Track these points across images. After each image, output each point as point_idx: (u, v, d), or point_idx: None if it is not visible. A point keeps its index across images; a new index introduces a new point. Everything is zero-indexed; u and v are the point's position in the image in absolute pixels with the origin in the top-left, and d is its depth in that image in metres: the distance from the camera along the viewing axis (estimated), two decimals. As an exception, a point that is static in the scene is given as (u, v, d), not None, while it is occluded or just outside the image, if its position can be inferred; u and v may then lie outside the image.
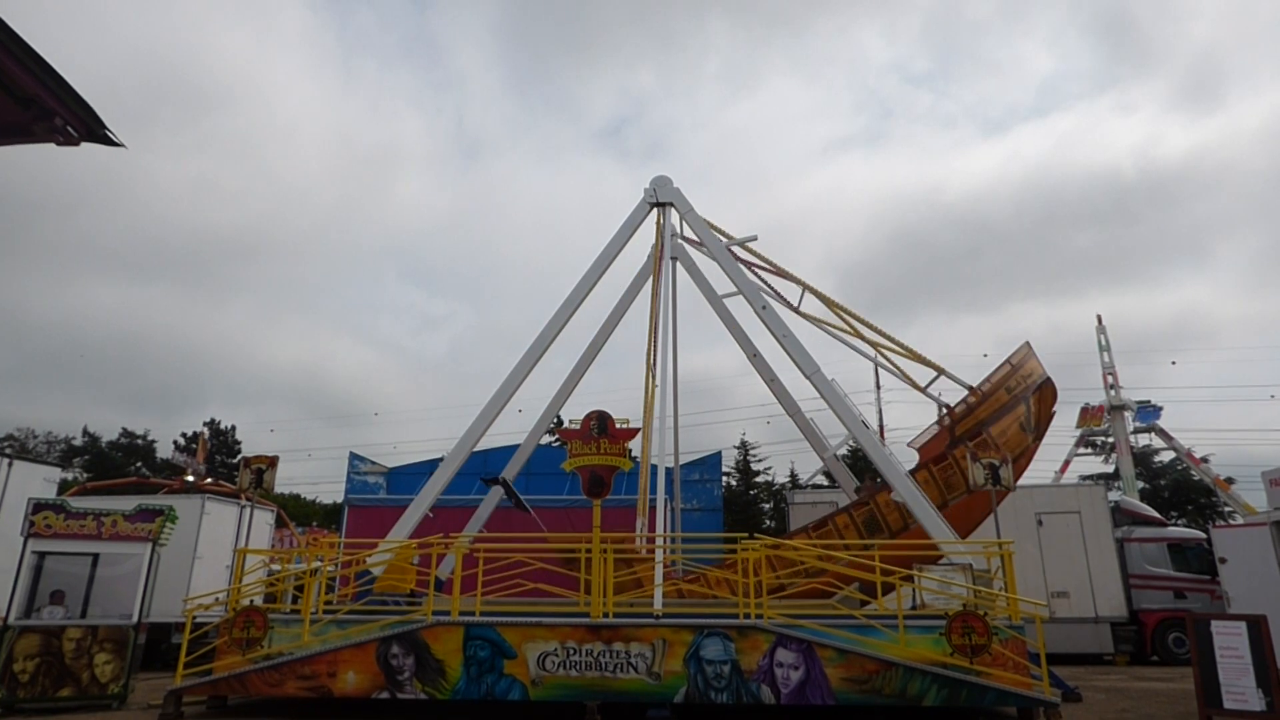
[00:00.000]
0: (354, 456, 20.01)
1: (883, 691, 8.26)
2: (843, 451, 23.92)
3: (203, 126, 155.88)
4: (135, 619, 9.93)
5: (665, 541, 11.75)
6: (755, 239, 14.42)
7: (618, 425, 9.74)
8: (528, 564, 9.72)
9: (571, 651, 8.63)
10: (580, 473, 9.67)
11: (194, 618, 9.46)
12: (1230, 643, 7.89)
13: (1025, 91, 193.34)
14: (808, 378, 11.95)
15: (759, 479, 40.17)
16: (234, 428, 48.21)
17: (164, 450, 43.68)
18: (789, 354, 12.14)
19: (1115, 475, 40.42)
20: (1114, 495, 21.89)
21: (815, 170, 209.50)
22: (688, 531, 15.98)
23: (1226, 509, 37.31)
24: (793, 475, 40.67)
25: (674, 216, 14.11)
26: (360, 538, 14.65)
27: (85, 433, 45.89)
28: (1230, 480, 37.47)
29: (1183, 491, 40.21)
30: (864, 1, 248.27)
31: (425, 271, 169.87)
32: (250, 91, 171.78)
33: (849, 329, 13.90)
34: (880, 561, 8.94)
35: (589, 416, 9.77)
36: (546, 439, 18.94)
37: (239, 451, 45.72)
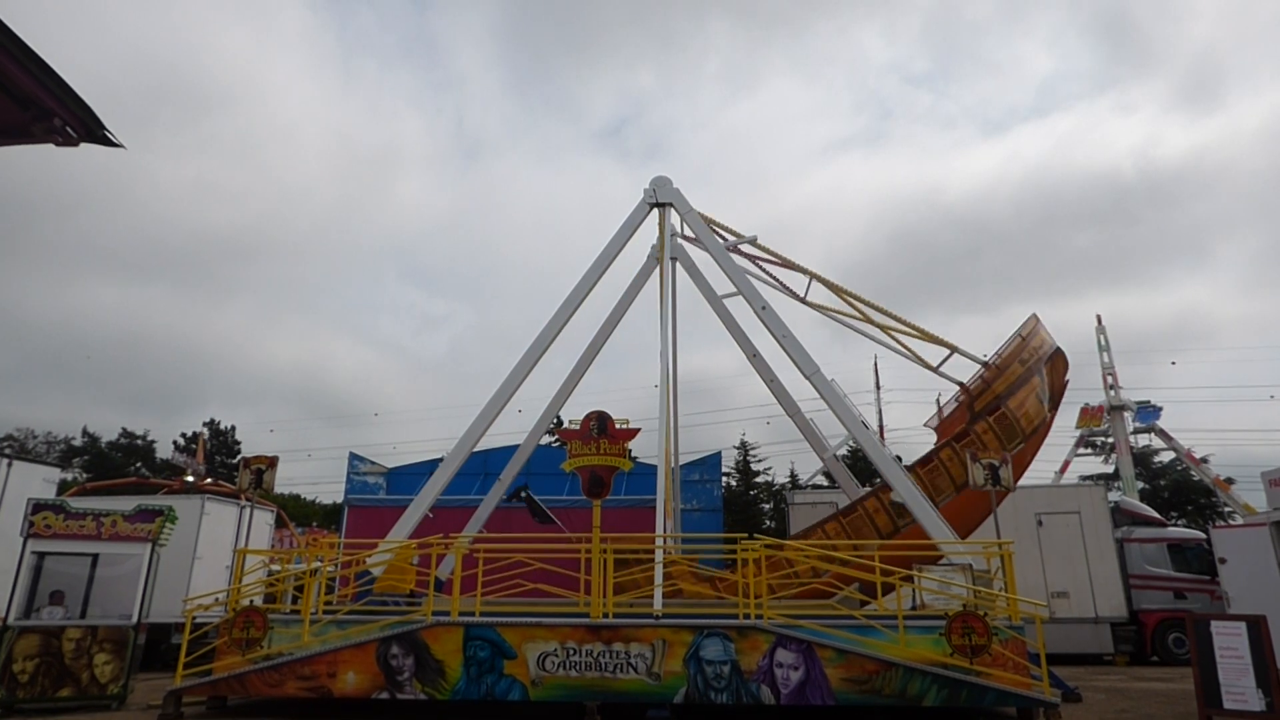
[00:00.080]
0: (354, 457, 19.99)
1: (883, 692, 8.26)
2: (842, 452, 23.98)
3: (202, 127, 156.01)
4: (135, 619, 9.93)
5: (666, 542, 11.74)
6: (755, 239, 14.43)
7: (617, 425, 9.73)
8: (528, 564, 9.72)
9: (571, 652, 8.63)
10: (580, 473, 9.66)
11: (194, 618, 9.46)
12: (1230, 643, 7.89)
13: (1025, 92, 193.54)
14: (807, 378, 11.95)
15: (759, 479, 40.16)
16: (234, 428, 48.22)
17: (164, 450, 43.70)
18: (789, 354, 12.14)
19: (1115, 475, 40.40)
20: (1114, 495, 21.89)
21: (815, 170, 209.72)
22: (688, 532, 15.97)
23: (1226, 509, 37.31)
24: (793, 476, 40.69)
25: (674, 217, 14.11)
26: (360, 538, 14.65)
27: (85, 433, 45.90)
28: (1230, 480, 37.47)
29: (1182, 492, 40.19)
30: (864, 2, 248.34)
31: (425, 271, 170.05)
32: (250, 92, 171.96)
33: (859, 315, 13.88)
34: (880, 562, 8.95)
35: (588, 417, 9.77)
36: (546, 439, 18.94)
37: (239, 452, 45.71)
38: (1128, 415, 40.77)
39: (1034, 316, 14.18)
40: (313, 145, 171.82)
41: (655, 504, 10.96)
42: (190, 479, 26.14)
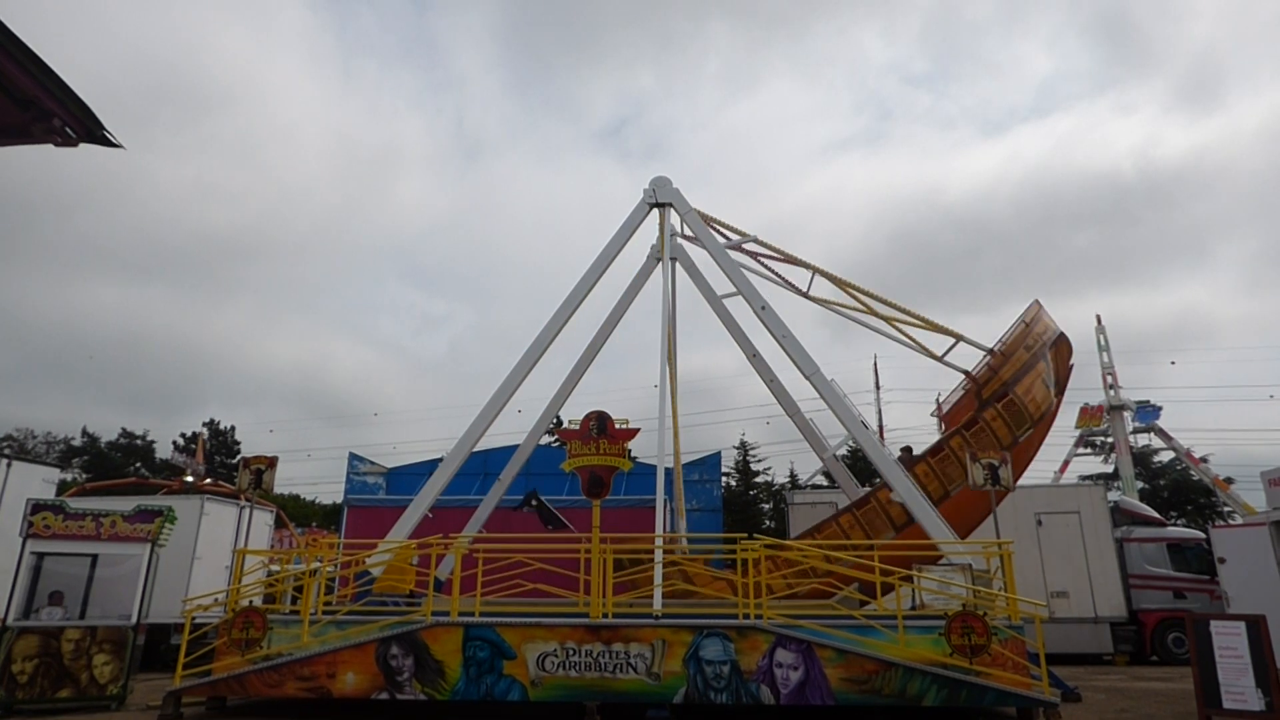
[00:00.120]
0: (353, 457, 20.00)
1: (882, 692, 8.26)
2: (842, 452, 23.94)
3: (203, 127, 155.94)
4: (134, 620, 9.92)
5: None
6: (755, 239, 14.42)
7: (617, 425, 9.73)
8: (527, 564, 9.72)
9: (571, 652, 8.63)
10: (580, 473, 9.66)
11: (193, 618, 9.44)
12: (1229, 643, 7.90)
13: (1025, 92, 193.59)
14: (807, 378, 11.95)
15: (758, 479, 40.18)
16: (233, 428, 48.21)
17: (163, 451, 43.69)
18: (788, 354, 12.14)
19: (1115, 475, 40.42)
20: (1113, 495, 21.90)
21: (815, 171, 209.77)
22: (688, 532, 15.96)
23: (1226, 509, 37.32)
24: (792, 476, 40.70)
25: (674, 217, 14.11)
26: (359, 538, 14.65)
27: (84, 433, 45.90)
28: (1229, 480, 37.49)
29: (1182, 491, 40.21)
30: (863, 2, 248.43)
31: (425, 272, 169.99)
32: (250, 92, 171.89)
33: (863, 308, 13.87)
34: (879, 562, 8.95)
35: (588, 417, 9.77)
36: (546, 439, 18.93)
37: (238, 452, 45.69)
38: (1127, 415, 40.79)
39: (1036, 302, 14.21)
40: (313, 145, 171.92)
41: (655, 504, 10.94)
42: (190, 479, 26.13)
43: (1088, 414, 41.41)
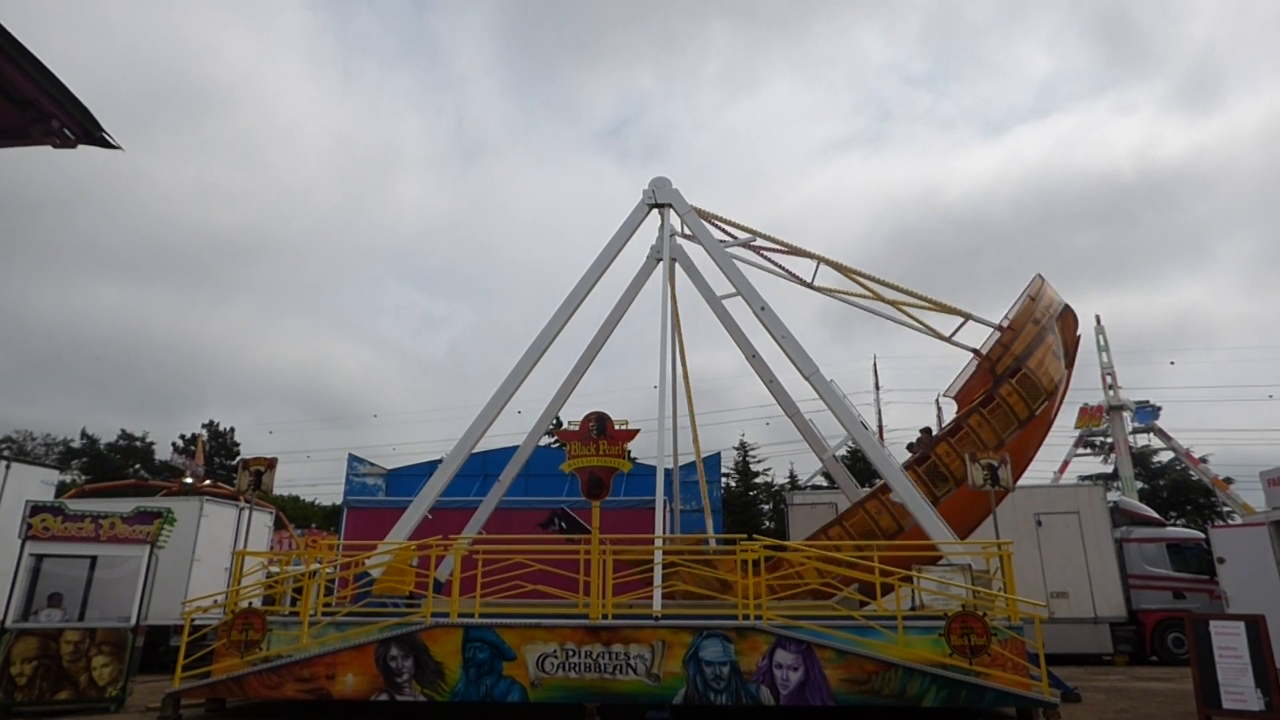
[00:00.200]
0: (353, 458, 20.00)
1: (882, 692, 8.26)
2: (842, 452, 23.95)
3: (202, 127, 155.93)
4: (133, 621, 9.91)
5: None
6: (757, 234, 14.41)
7: (616, 426, 9.73)
8: (527, 565, 9.72)
9: (571, 653, 8.63)
10: (579, 474, 9.66)
11: (192, 620, 9.43)
12: (1229, 643, 7.90)
13: (1024, 92, 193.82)
14: (806, 379, 11.95)
15: (758, 480, 40.22)
16: (233, 429, 48.23)
17: (162, 452, 43.71)
18: (788, 355, 12.14)
19: (1114, 475, 40.45)
20: (1113, 495, 21.88)
21: (815, 171, 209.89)
22: (686, 533, 15.95)
23: (1225, 509, 37.36)
24: (792, 476, 40.74)
25: (673, 217, 14.12)
26: (359, 539, 14.63)
27: (84, 435, 45.93)
28: (1229, 480, 37.51)
29: (1181, 491, 40.25)
30: (863, 3, 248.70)
31: (425, 272, 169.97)
32: (250, 92, 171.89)
33: (869, 293, 13.87)
34: (879, 562, 8.95)
35: (588, 418, 9.77)
36: (546, 440, 18.93)
37: (238, 453, 45.70)
38: (1127, 415, 40.83)
39: (1039, 276, 14.25)
40: (313, 146, 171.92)
41: (655, 505, 10.94)
42: (189, 481, 26.09)
43: (1087, 414, 41.44)
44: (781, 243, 14.17)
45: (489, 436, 12.55)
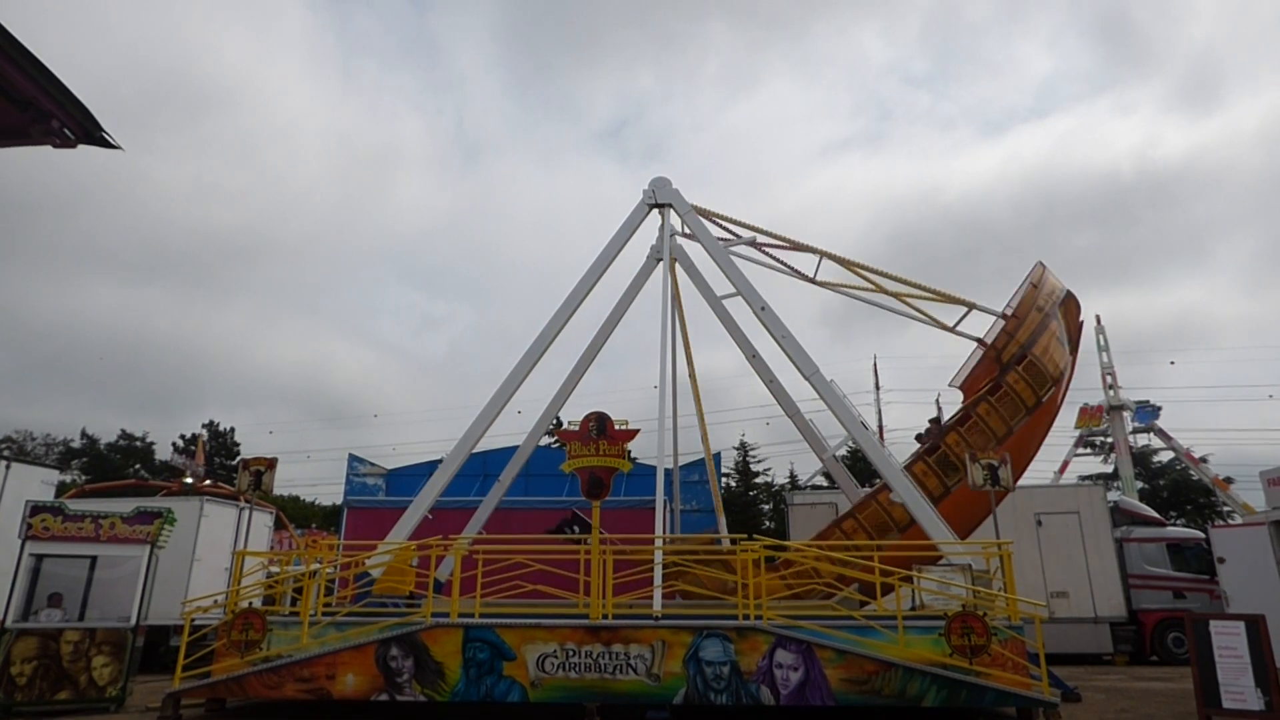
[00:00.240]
0: (353, 458, 19.99)
1: (882, 692, 8.26)
2: (842, 452, 23.93)
3: (202, 128, 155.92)
4: (133, 621, 9.91)
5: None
6: (754, 239, 14.42)
7: (616, 426, 9.73)
8: (527, 565, 9.71)
9: (571, 653, 8.63)
10: (579, 474, 9.66)
11: (192, 620, 9.43)
12: (1229, 642, 7.90)
13: (1024, 93, 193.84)
14: (807, 379, 11.95)
15: (758, 480, 40.23)
16: (233, 429, 48.23)
17: (162, 452, 43.72)
18: (788, 355, 12.14)
19: (1114, 475, 40.46)
20: (1113, 495, 21.90)
21: (815, 171, 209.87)
22: (686, 533, 15.96)
23: (1225, 509, 37.36)
24: (792, 476, 40.74)
25: (673, 217, 14.12)
26: (359, 539, 14.63)
27: (84, 435, 45.93)
28: (1229, 480, 37.53)
29: (1182, 491, 40.25)
30: (863, 3, 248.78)
31: (425, 272, 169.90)
32: (250, 93, 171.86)
33: (872, 286, 13.87)
34: (879, 562, 8.95)
35: (588, 418, 9.77)
36: (546, 440, 18.93)
37: (238, 453, 45.71)
38: (1127, 415, 40.84)
39: (1040, 264, 14.31)
40: (313, 146, 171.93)
41: (655, 505, 10.94)
42: (189, 481, 26.09)
43: (1087, 414, 41.46)
44: (783, 238, 14.17)
45: (489, 436, 12.57)
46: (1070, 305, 13.80)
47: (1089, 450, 45.20)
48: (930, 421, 14.28)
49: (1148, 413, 41.04)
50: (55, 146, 4.52)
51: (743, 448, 40.23)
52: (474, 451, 12.67)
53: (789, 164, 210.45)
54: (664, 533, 11.31)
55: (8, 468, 13.12)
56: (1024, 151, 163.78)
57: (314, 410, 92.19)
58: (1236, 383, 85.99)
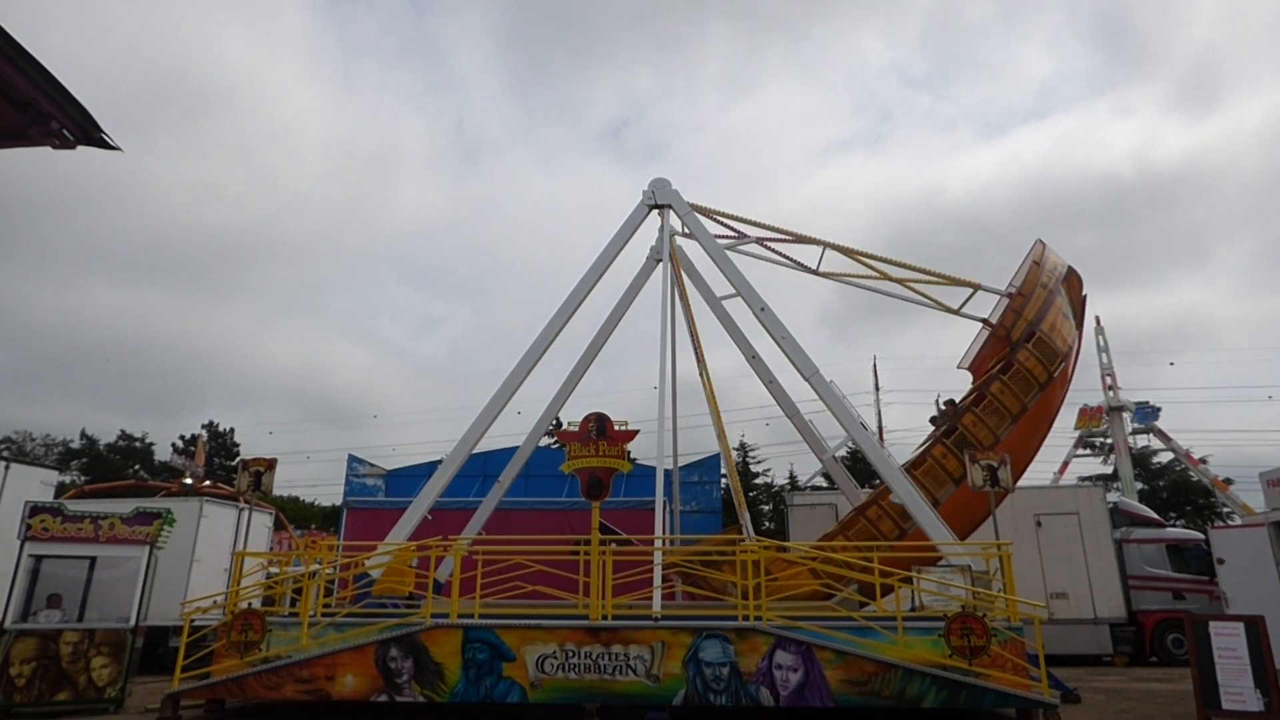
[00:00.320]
0: (353, 459, 20.01)
1: (882, 693, 8.25)
2: (842, 453, 23.94)
3: (202, 129, 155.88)
4: (133, 622, 9.90)
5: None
6: (759, 226, 14.40)
7: (616, 427, 9.73)
8: (526, 566, 9.71)
9: (570, 654, 8.62)
10: (579, 475, 9.66)
11: (192, 621, 9.42)
12: (1228, 643, 7.90)
13: (1024, 94, 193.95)
14: (806, 379, 11.96)
15: (758, 481, 40.22)
16: (232, 430, 48.20)
17: (162, 453, 43.70)
18: (788, 356, 12.15)
19: (1114, 476, 40.44)
20: (1112, 496, 21.89)
21: (815, 172, 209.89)
22: (686, 533, 15.96)
23: (1225, 510, 37.36)
24: (792, 477, 40.75)
25: (673, 218, 14.12)
26: (359, 540, 14.64)
27: (83, 435, 45.92)
28: (1228, 481, 37.51)
29: (1181, 492, 40.24)
30: (863, 4, 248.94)
31: (425, 273, 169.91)
32: (250, 94, 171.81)
33: (876, 273, 13.88)
34: (879, 563, 8.95)
35: (587, 418, 9.77)
36: (545, 441, 18.93)
37: (237, 454, 45.67)
38: (1126, 416, 40.84)
39: (1040, 242, 14.38)
40: (313, 147, 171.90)
41: (655, 505, 10.94)
42: (188, 481, 26.07)
43: (1087, 415, 41.44)
44: (786, 231, 14.16)
45: (489, 437, 12.57)
46: (1072, 280, 13.94)
47: (1089, 451, 45.23)
48: (944, 404, 14.25)
49: (1147, 414, 41.04)
50: (55, 148, 4.53)
51: (742, 448, 40.24)
52: (474, 452, 12.66)
53: (789, 165, 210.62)
54: (664, 533, 11.30)
55: (7, 468, 13.10)
56: (1024, 152, 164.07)
57: (314, 411, 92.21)
58: (1236, 383, 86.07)
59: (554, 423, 16.80)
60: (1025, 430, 12.37)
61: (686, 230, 13.94)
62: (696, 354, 14.86)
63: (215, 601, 11.30)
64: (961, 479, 11.82)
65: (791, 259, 14.27)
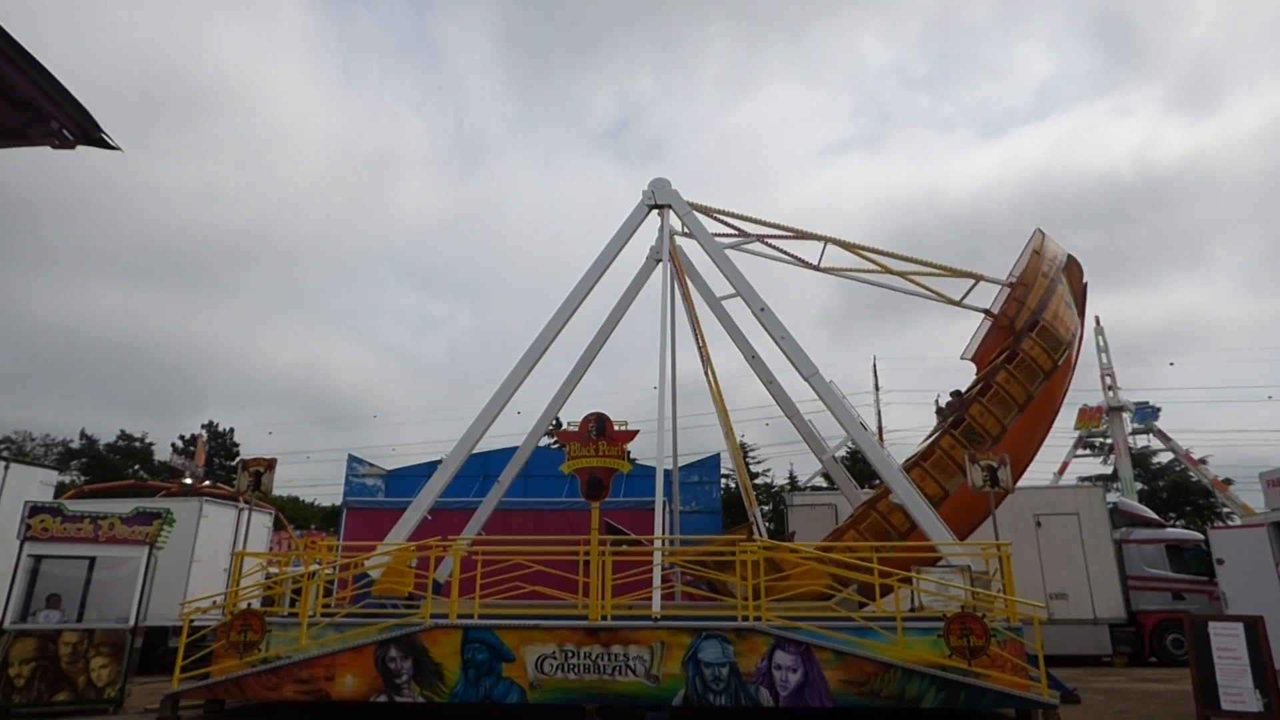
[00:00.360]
0: (352, 459, 20.00)
1: (881, 694, 8.25)
2: (841, 453, 23.94)
3: (202, 129, 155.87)
4: (132, 622, 9.90)
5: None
6: (760, 222, 14.39)
7: (616, 427, 9.73)
8: (526, 566, 9.71)
9: (570, 654, 8.62)
10: (579, 475, 9.66)
11: (191, 621, 9.42)
12: (1228, 644, 7.90)
13: (1023, 94, 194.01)
14: (806, 380, 11.95)
15: (758, 481, 40.20)
16: (232, 430, 48.19)
17: (162, 453, 43.68)
18: (787, 356, 12.14)
19: (1114, 476, 40.45)
20: (1112, 496, 21.90)
21: (814, 172, 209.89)
22: (686, 533, 15.97)
23: (1224, 510, 37.36)
24: (791, 477, 40.75)
25: (673, 218, 14.12)
26: (359, 540, 14.63)
27: (83, 435, 45.90)
28: (1228, 481, 37.52)
29: (1181, 492, 40.24)
30: (863, 5, 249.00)
31: (425, 273, 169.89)
32: (250, 94, 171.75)
33: (877, 267, 13.87)
34: (878, 563, 8.95)
35: (587, 419, 9.77)
36: (545, 441, 18.93)
37: (237, 454, 45.66)
38: (1126, 416, 40.85)
39: (1039, 231, 14.40)
40: (313, 147, 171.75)
41: (655, 505, 10.94)
42: (188, 481, 26.05)
43: (1086, 415, 41.44)
44: (787, 227, 14.16)
45: (489, 437, 12.56)
46: (1073, 269, 13.98)
47: (1088, 451, 45.24)
48: (951, 394, 14.25)
49: (1147, 414, 41.05)
50: (54, 148, 4.53)
51: (742, 449, 40.21)
52: (473, 452, 12.66)
53: (789, 165, 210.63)
54: (663, 533, 11.30)
55: (7, 468, 13.10)
56: (1023, 153, 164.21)
57: (314, 411, 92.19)
58: (1236, 384, 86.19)
59: (554, 423, 16.79)
60: (1031, 419, 12.41)
61: (686, 230, 13.94)
62: (702, 354, 14.88)
63: (215, 602, 11.29)
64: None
65: (793, 255, 14.27)
